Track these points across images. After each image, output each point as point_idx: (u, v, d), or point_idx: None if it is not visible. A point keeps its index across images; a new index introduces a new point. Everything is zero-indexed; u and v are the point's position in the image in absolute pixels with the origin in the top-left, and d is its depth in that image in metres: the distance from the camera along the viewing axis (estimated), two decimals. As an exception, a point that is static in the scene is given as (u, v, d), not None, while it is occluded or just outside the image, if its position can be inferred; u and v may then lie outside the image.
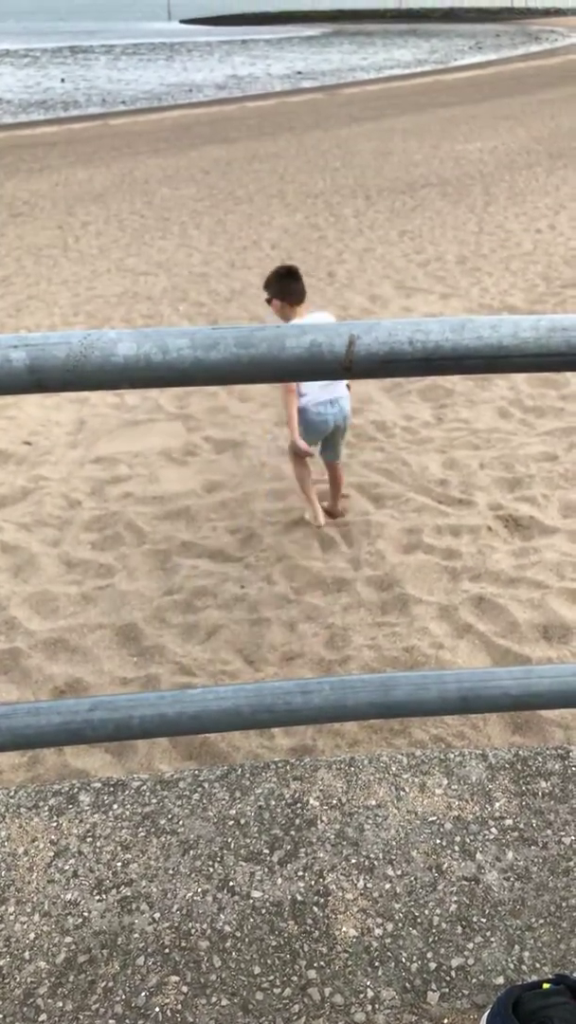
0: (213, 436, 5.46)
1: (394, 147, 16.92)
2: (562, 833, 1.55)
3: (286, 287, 3.83)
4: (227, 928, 1.41)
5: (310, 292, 8.49)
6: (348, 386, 4.21)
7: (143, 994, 1.32)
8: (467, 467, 4.90)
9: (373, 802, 1.63)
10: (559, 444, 5.15)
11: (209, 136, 19.57)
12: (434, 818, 1.59)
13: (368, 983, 1.32)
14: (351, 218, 11.41)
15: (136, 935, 1.41)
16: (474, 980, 1.32)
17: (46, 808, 1.66)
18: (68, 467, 5.12)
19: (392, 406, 5.82)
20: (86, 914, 1.44)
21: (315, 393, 3.99)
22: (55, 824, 1.62)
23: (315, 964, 1.35)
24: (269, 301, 3.99)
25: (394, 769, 1.71)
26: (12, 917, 1.44)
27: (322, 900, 1.45)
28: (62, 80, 33.54)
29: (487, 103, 23.23)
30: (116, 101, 27.08)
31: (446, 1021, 1.27)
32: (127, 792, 1.68)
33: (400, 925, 1.40)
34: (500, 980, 1.32)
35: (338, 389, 4.07)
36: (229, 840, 1.56)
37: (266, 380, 1.02)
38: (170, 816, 1.62)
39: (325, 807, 1.62)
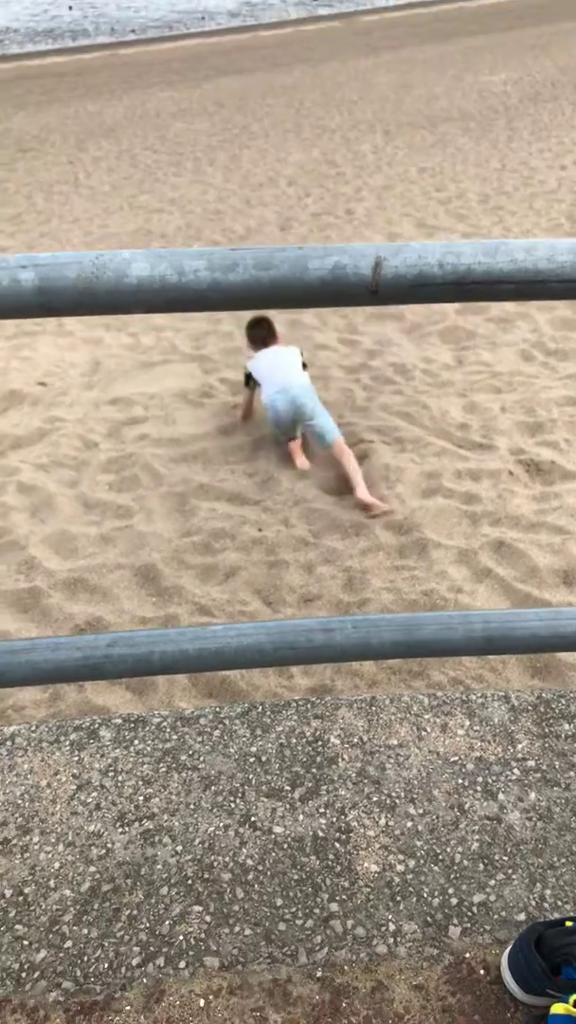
0: (229, 378, 5.40)
1: (414, 79, 16.32)
2: (585, 774, 1.54)
3: (248, 333, 4.87)
4: (249, 861, 1.42)
5: (328, 230, 8.27)
6: (304, 366, 4.62)
7: (167, 923, 1.33)
8: (488, 411, 4.83)
9: (395, 741, 1.62)
10: (582, 388, 5.05)
11: (222, 67, 18.94)
12: (456, 758, 1.59)
13: (390, 917, 1.33)
14: (369, 154, 11.08)
15: (159, 866, 1.42)
16: (496, 916, 1.33)
17: (67, 743, 1.67)
18: (84, 408, 5.08)
19: (412, 348, 5.72)
20: (109, 845, 1.46)
21: (268, 386, 4.44)
22: (77, 758, 1.63)
23: (337, 897, 1.36)
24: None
25: (415, 709, 1.70)
26: (37, 847, 1.46)
27: (344, 836, 1.45)
28: (70, 7, 32.41)
29: (512, 32, 22.28)
30: (126, 30, 26.18)
31: (467, 955, 1.28)
32: (148, 728, 1.69)
33: (422, 862, 1.41)
34: (522, 916, 1.32)
35: (289, 379, 4.42)
36: (250, 776, 1.57)
37: (287, 305, 0.97)
38: (191, 752, 1.62)
39: (346, 746, 1.62)
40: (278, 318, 6.32)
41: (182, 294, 0.95)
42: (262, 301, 0.96)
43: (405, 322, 6.12)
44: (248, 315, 5.25)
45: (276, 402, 4.36)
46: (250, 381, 4.65)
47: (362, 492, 4.02)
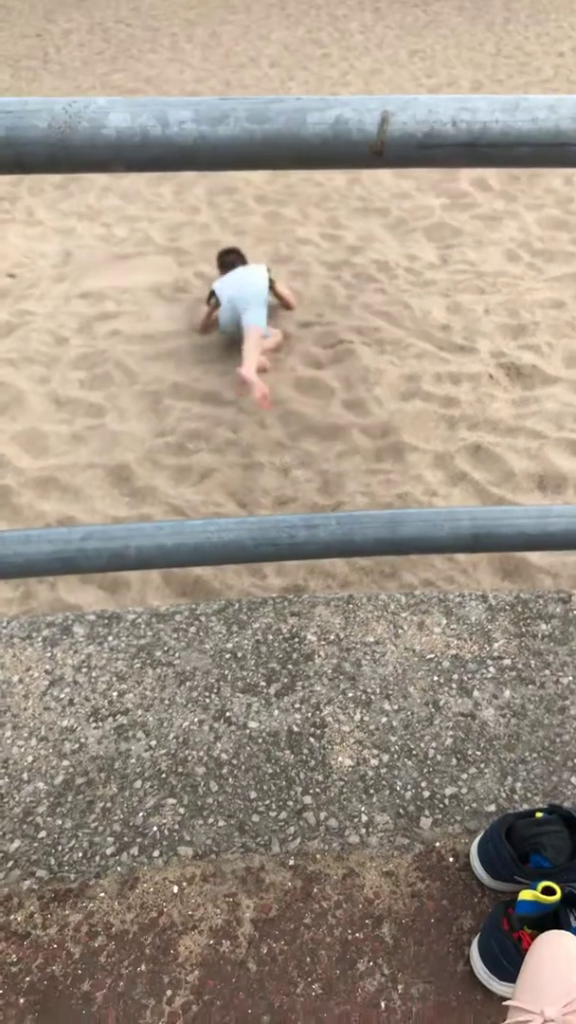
0: (205, 272, 5.19)
1: (407, -48, 15.23)
2: (560, 673, 1.55)
3: (218, 260, 4.87)
4: (223, 756, 1.42)
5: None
6: (271, 281, 4.59)
7: (141, 814, 1.34)
8: (471, 312, 4.70)
9: (371, 639, 1.62)
10: (567, 291, 4.93)
11: None
12: (432, 656, 1.58)
13: (363, 808, 1.35)
14: (357, 34, 10.43)
15: (133, 760, 1.42)
16: (467, 808, 1.35)
17: (40, 639, 1.64)
18: (54, 302, 4.87)
19: (396, 245, 5.52)
20: (83, 740, 1.45)
21: (224, 301, 4.42)
22: (49, 654, 1.61)
23: (311, 791, 1.37)
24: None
25: (392, 608, 1.69)
26: (9, 741, 1.45)
27: (318, 732, 1.46)
28: None
29: None
30: None
31: (437, 844, 1.30)
32: (122, 624, 1.66)
33: (396, 756, 1.41)
34: (492, 808, 1.34)
35: (240, 285, 4.42)
36: (226, 672, 1.55)
37: (283, 164, 0.88)
38: (166, 648, 1.60)
39: (323, 642, 1.61)
40: (259, 209, 6.05)
41: (165, 150, 0.85)
42: (254, 159, 0.87)
43: (390, 217, 5.88)
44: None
45: (224, 310, 4.40)
46: (212, 299, 4.58)
47: (246, 368, 3.97)
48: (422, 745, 1.43)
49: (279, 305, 4.73)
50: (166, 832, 1.32)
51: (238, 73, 8.98)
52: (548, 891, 1.09)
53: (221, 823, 1.33)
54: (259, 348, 4.10)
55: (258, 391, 3.83)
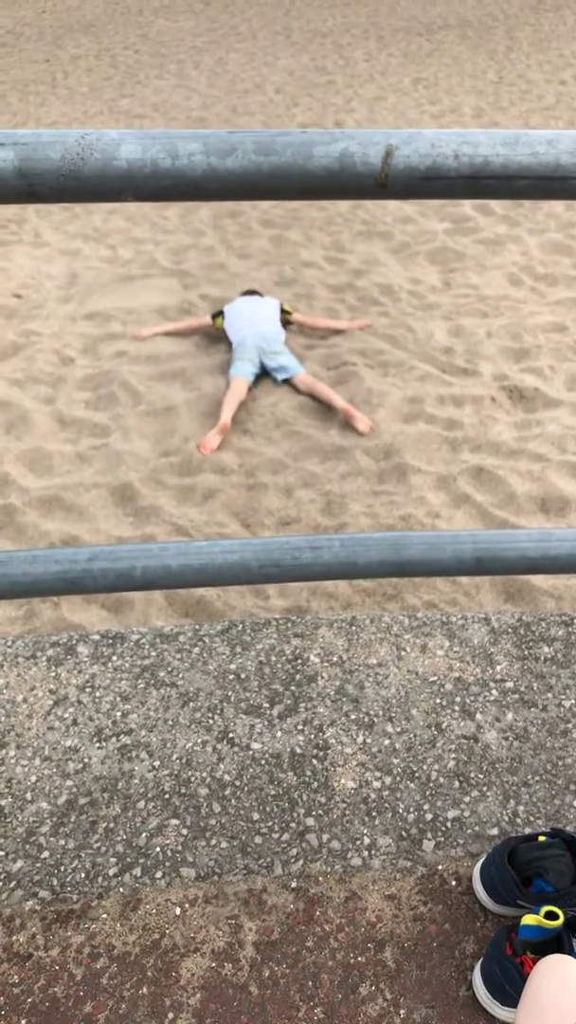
0: (210, 294, 5.23)
1: (411, -18, 15.49)
2: (562, 696, 1.55)
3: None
4: (226, 777, 1.42)
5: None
6: (288, 315, 4.71)
7: (144, 835, 1.34)
8: (474, 335, 4.74)
9: (374, 661, 1.62)
10: (569, 314, 4.96)
11: (209, -38, 17.83)
12: (435, 678, 1.59)
13: (365, 831, 1.35)
14: (362, 62, 10.58)
15: (136, 781, 1.42)
16: (469, 831, 1.35)
17: (44, 658, 1.65)
18: (60, 322, 4.91)
19: (399, 268, 5.57)
20: (86, 760, 1.45)
21: (238, 325, 4.52)
22: (53, 674, 1.61)
23: (313, 813, 1.37)
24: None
25: (395, 630, 1.69)
26: (13, 760, 1.45)
27: (321, 753, 1.46)
28: None
29: None
30: None
31: (440, 867, 1.30)
32: (126, 645, 1.67)
33: (398, 779, 1.42)
34: (495, 831, 1.34)
35: (259, 318, 4.51)
36: (229, 693, 1.56)
37: (289, 195, 0.90)
38: (170, 669, 1.61)
39: (326, 664, 1.61)
40: (264, 233, 6.11)
41: (175, 180, 0.88)
42: (261, 190, 0.89)
43: (393, 241, 5.94)
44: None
45: (246, 338, 4.41)
46: (216, 318, 4.67)
47: (343, 403, 4.01)
48: (424, 768, 1.43)
49: (299, 332, 4.82)
50: (169, 853, 1.32)
51: (243, 99, 9.10)
52: (551, 916, 1.09)
53: (224, 844, 1.33)
54: (324, 385, 4.22)
55: (364, 424, 3.96)
